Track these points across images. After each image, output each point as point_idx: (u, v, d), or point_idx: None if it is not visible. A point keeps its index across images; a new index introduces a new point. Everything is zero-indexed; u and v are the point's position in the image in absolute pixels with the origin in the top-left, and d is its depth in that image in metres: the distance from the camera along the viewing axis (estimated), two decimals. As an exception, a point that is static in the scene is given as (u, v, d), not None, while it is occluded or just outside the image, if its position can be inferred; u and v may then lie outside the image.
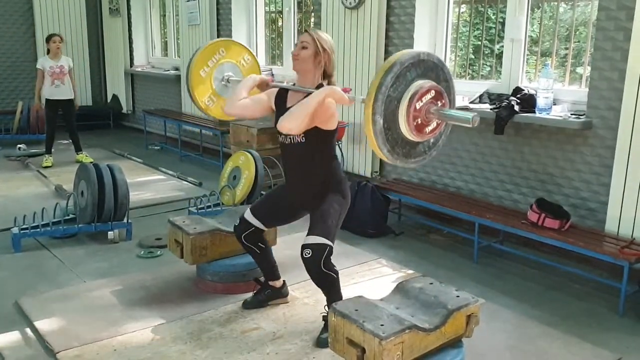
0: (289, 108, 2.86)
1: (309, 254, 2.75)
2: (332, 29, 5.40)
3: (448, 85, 2.54)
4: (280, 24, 6.81)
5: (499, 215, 4.05)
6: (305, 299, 3.42)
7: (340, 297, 2.86)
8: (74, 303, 3.36)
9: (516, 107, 4.06)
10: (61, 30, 8.81)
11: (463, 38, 5.09)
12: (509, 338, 3.06)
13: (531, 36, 4.48)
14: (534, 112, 4.02)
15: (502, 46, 4.53)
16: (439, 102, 2.42)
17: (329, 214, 2.85)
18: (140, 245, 4.31)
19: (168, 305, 3.34)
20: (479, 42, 4.90)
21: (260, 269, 3.34)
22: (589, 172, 3.91)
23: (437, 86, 2.42)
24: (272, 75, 6.23)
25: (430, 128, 2.46)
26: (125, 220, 4.41)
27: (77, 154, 6.99)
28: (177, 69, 8.09)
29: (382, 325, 2.26)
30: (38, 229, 4.23)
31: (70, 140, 7.04)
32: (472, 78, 4.94)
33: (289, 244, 3.77)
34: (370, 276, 3.80)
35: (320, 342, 2.90)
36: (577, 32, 4.29)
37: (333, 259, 2.84)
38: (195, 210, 4.72)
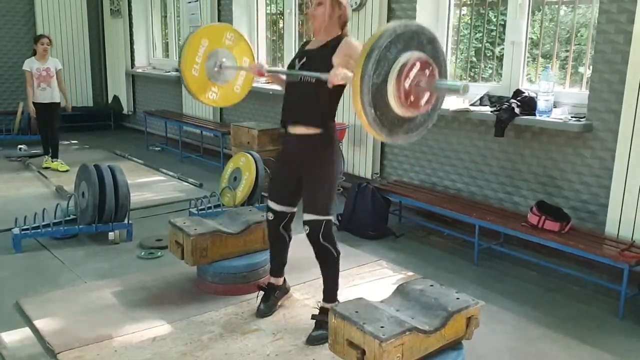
0: (306, 50, 2.97)
1: (307, 230, 2.94)
2: (333, 30, 5.41)
3: (434, 47, 2.38)
4: (281, 25, 6.82)
5: (499, 218, 4.05)
6: (305, 300, 3.43)
7: (336, 282, 3.03)
8: (75, 304, 3.37)
9: (517, 110, 4.07)
10: (62, 31, 8.86)
11: (464, 40, 5.10)
12: (509, 340, 3.07)
13: (532, 38, 4.48)
14: (535, 114, 4.03)
15: (503, 48, 4.54)
16: (426, 71, 2.28)
17: (322, 187, 2.91)
18: (141, 246, 4.31)
19: (169, 306, 3.34)
20: (480, 45, 4.91)
21: (274, 263, 3.30)
22: (589, 175, 3.91)
23: (421, 57, 2.28)
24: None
25: (425, 100, 2.34)
26: (125, 221, 4.41)
27: (52, 161, 6.63)
28: (178, 70, 8.09)
29: (382, 327, 2.27)
30: (39, 230, 4.23)
31: (49, 145, 6.67)
32: (473, 80, 4.95)
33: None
34: (371, 278, 3.80)
35: (310, 340, 2.95)
36: (578, 35, 4.29)
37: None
38: (196, 212, 4.72)
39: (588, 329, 3.22)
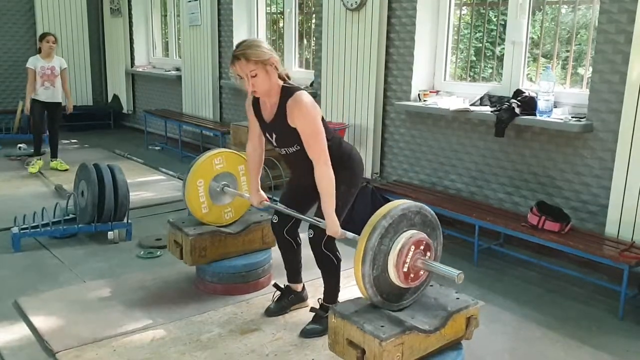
0: (268, 123, 2.92)
1: (311, 234, 2.94)
2: (333, 30, 5.41)
3: (421, 215, 2.48)
4: (281, 25, 6.81)
5: (499, 218, 4.05)
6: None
7: (337, 287, 3.03)
8: (74, 303, 3.36)
9: (517, 110, 4.06)
10: (62, 30, 8.84)
11: (464, 40, 5.09)
12: (508, 340, 3.07)
13: (532, 38, 4.48)
14: (535, 114, 4.02)
15: (503, 48, 4.54)
16: (421, 247, 2.39)
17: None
18: (140, 245, 4.31)
19: (168, 306, 3.33)
20: (480, 44, 4.90)
21: (288, 269, 3.29)
22: (589, 175, 3.91)
23: (413, 236, 2.37)
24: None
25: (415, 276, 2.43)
26: (125, 221, 4.41)
27: (52, 160, 6.57)
28: (178, 69, 8.10)
29: (382, 326, 2.27)
30: (38, 229, 4.23)
31: (49, 144, 6.60)
32: (474, 80, 4.95)
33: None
34: (370, 278, 3.79)
35: (303, 332, 2.99)
36: (578, 35, 4.29)
37: None
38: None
39: (588, 329, 3.22)
